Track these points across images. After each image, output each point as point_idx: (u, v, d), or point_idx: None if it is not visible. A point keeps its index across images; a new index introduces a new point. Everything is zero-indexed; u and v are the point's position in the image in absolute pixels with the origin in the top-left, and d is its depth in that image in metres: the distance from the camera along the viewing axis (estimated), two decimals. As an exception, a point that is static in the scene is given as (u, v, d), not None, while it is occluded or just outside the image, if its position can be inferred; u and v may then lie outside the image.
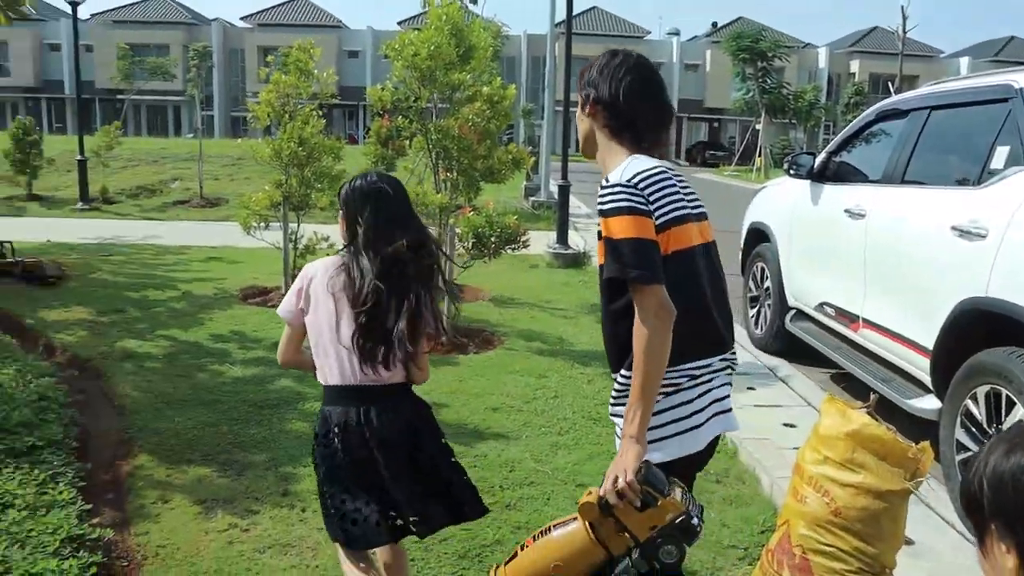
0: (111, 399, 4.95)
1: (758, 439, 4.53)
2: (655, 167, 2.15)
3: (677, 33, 58.41)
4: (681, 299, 2.03)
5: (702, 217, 2.26)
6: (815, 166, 5.94)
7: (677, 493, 1.98)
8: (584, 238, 12.71)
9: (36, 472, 3.66)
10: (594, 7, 57.18)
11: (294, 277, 3.66)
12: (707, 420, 2.18)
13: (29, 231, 12.56)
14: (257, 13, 55.72)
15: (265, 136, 8.60)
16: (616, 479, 1.95)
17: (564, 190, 11.35)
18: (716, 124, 56.53)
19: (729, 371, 2.28)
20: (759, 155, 34.99)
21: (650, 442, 2.06)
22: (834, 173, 5.81)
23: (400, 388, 2.60)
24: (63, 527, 3.20)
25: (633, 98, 2.19)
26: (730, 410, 2.27)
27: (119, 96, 45.17)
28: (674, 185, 2.16)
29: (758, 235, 6.88)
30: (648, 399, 2.02)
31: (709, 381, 2.19)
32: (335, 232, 3.38)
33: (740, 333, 6.99)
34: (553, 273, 10.22)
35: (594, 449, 4.45)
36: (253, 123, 8.11)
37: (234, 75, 53.93)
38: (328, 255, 3.09)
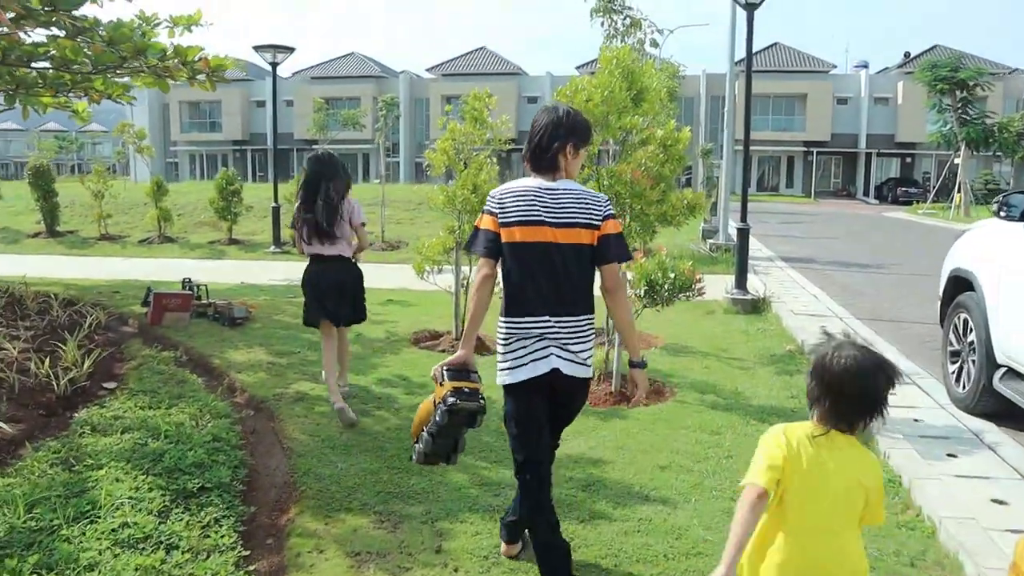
0: (281, 441, 5.05)
1: (961, 518, 3.96)
2: (520, 186, 3.22)
3: (865, 66, 55.72)
4: (512, 274, 3.18)
5: (573, 225, 3.15)
6: (1031, 207, 5.28)
7: (459, 384, 3.15)
8: (764, 283, 12.10)
9: (202, 514, 3.74)
10: (775, 43, 55.61)
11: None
12: (525, 364, 3.17)
13: (227, 273, 13.48)
14: (441, 64, 58.19)
15: (447, 181, 8.77)
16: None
17: (743, 233, 10.84)
18: (909, 160, 53.18)
19: (558, 334, 3.17)
20: (958, 191, 32.42)
21: (499, 371, 3.25)
22: (1055, 214, 5.13)
23: (343, 257, 5.69)
24: (220, 573, 3.22)
25: (528, 139, 3.28)
26: (551, 356, 3.16)
27: (314, 146, 48.33)
28: (530, 199, 3.17)
29: (960, 283, 6.21)
30: (471, 324, 3.27)
31: (534, 340, 3.16)
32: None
33: (939, 390, 6.31)
34: (731, 320, 9.74)
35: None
36: (428, 170, 8.27)
37: (419, 123, 56.47)
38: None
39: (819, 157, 52.99)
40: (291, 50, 16.33)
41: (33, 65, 8.84)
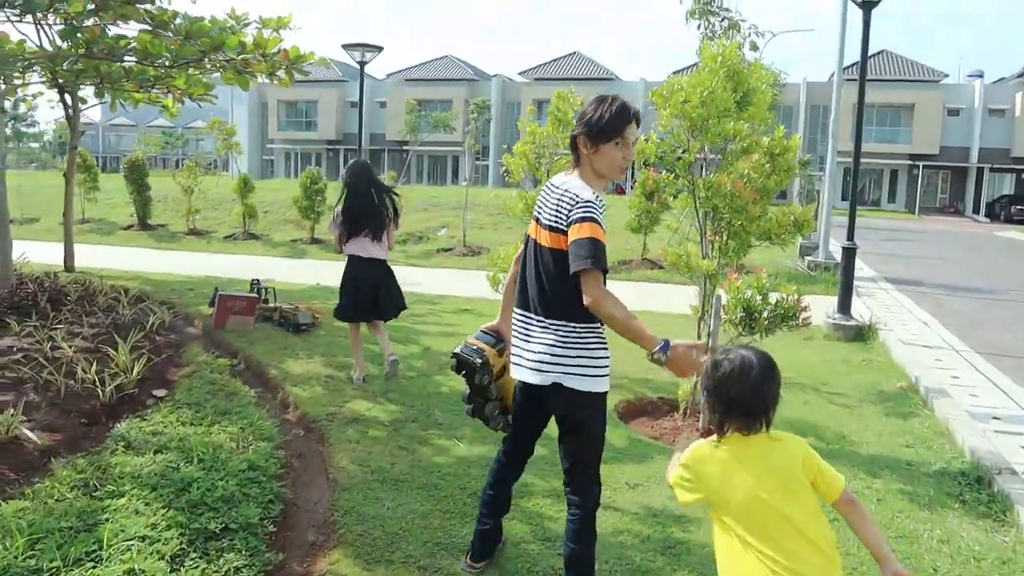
0: (327, 470, 4.57)
1: None
2: (547, 183, 3.21)
3: (980, 75, 52.83)
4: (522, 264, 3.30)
5: (548, 228, 3.05)
6: None
7: (473, 341, 3.48)
8: (869, 306, 11.16)
9: (221, 561, 3.28)
10: (883, 51, 53.27)
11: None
12: (513, 362, 3.23)
13: (305, 273, 13.28)
14: (534, 68, 57.83)
15: (533, 186, 8.26)
16: None
17: (850, 253, 9.95)
18: (1026, 176, 50.15)
19: (541, 331, 3.08)
20: (1083, 213, 30.19)
21: None
22: None
23: (380, 261, 6.41)
24: (228, 643, 2.73)
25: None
26: (522, 366, 3.14)
27: (404, 147, 48.63)
28: (542, 196, 3.16)
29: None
30: (503, 297, 3.55)
31: (520, 337, 3.17)
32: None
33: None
34: (832, 347, 8.91)
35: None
36: (506, 176, 7.79)
37: (510, 127, 56.15)
38: None
39: (925, 171, 50.45)
40: (379, 49, 16.06)
41: (117, 59, 8.74)
